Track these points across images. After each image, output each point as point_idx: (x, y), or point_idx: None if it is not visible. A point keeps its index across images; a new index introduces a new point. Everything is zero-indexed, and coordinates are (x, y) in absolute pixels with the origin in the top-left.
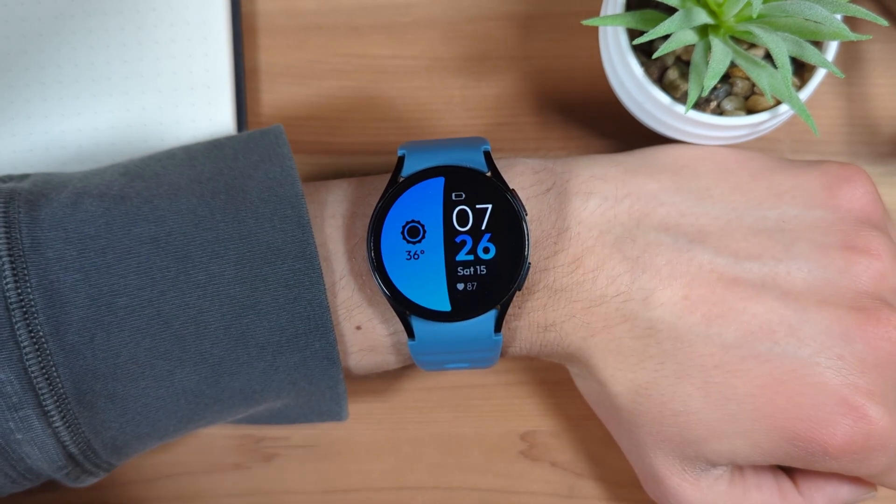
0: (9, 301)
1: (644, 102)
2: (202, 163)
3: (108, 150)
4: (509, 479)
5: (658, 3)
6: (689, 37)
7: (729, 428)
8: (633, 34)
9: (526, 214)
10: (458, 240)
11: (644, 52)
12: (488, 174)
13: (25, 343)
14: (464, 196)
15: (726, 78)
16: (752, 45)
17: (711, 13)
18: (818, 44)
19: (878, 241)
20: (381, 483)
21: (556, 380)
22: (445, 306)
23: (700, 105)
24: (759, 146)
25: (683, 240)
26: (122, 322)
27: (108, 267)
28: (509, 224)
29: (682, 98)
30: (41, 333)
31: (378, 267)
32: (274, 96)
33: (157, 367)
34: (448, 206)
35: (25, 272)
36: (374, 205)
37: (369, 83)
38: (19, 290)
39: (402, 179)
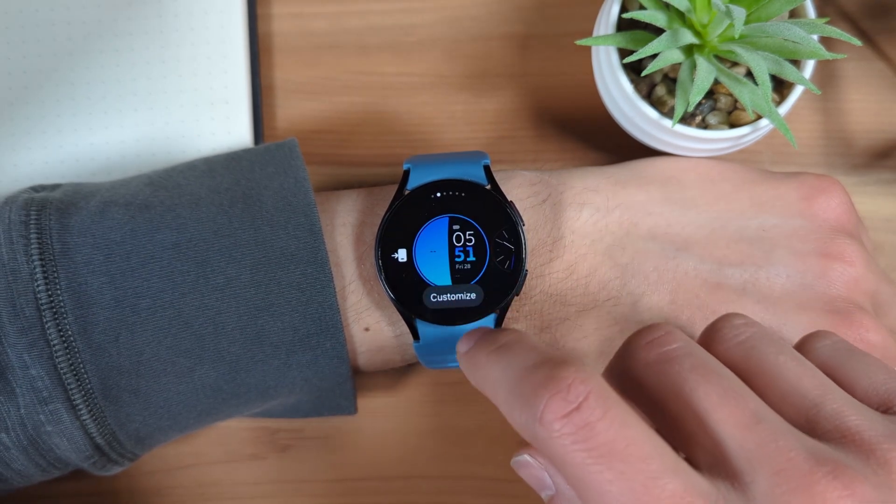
0: (40, 302)
1: (634, 117)
2: (221, 174)
3: (133, 161)
4: (510, 469)
5: (647, 24)
6: (675, 56)
7: None
8: (623, 53)
9: (523, 224)
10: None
11: (634, 70)
12: (488, 187)
13: (55, 341)
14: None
15: (710, 94)
16: (735, 64)
17: (696, 34)
18: (796, 62)
19: (852, 248)
20: (389, 472)
21: None
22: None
23: (686, 119)
24: (741, 158)
25: (670, 248)
26: (146, 322)
27: (133, 271)
28: (508, 234)
29: (669, 113)
30: (70, 332)
31: (386, 272)
32: (288, 111)
33: (178, 365)
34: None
35: (55, 275)
36: (382, 215)
37: (377, 99)
38: (49, 293)
39: (407, 192)
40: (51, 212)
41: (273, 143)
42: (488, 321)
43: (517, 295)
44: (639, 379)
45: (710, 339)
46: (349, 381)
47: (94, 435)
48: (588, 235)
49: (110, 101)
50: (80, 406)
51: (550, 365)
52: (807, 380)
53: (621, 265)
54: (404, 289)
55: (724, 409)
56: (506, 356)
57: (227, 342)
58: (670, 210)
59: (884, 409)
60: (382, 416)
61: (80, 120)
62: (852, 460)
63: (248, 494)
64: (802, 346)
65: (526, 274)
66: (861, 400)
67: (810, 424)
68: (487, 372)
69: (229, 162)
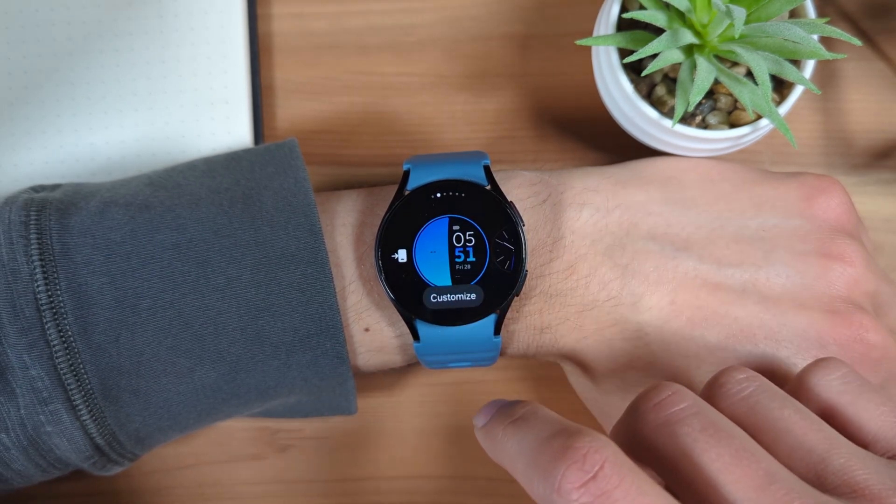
0: (40, 303)
1: (634, 117)
2: (221, 174)
3: (134, 162)
4: None
5: (647, 24)
6: (675, 56)
7: None
8: (623, 53)
9: (523, 225)
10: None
11: (634, 70)
12: (488, 187)
13: (55, 342)
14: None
15: (710, 94)
16: (735, 64)
17: (697, 34)
18: (796, 62)
19: (852, 248)
20: (389, 472)
21: (552, 377)
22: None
23: (686, 119)
24: (741, 158)
25: (670, 248)
26: (146, 322)
27: (133, 271)
28: (508, 234)
29: (669, 113)
30: (70, 333)
31: (386, 272)
32: (288, 111)
33: (178, 365)
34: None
35: (55, 276)
36: (382, 215)
37: (377, 99)
38: (49, 293)
39: (407, 192)
40: (51, 212)
41: (273, 143)
42: (488, 321)
43: (517, 295)
44: (648, 441)
45: (712, 393)
46: (349, 381)
47: (94, 435)
48: (588, 235)
49: (110, 101)
50: (80, 406)
51: (566, 435)
52: (812, 434)
53: (621, 265)
54: (404, 289)
55: (737, 470)
56: (521, 429)
57: (227, 342)
58: (670, 210)
59: (892, 454)
60: (382, 416)
61: (80, 120)
62: None
63: (248, 494)
64: (811, 376)
65: (526, 274)
66: (869, 444)
67: (819, 479)
68: (505, 446)
69: (229, 162)
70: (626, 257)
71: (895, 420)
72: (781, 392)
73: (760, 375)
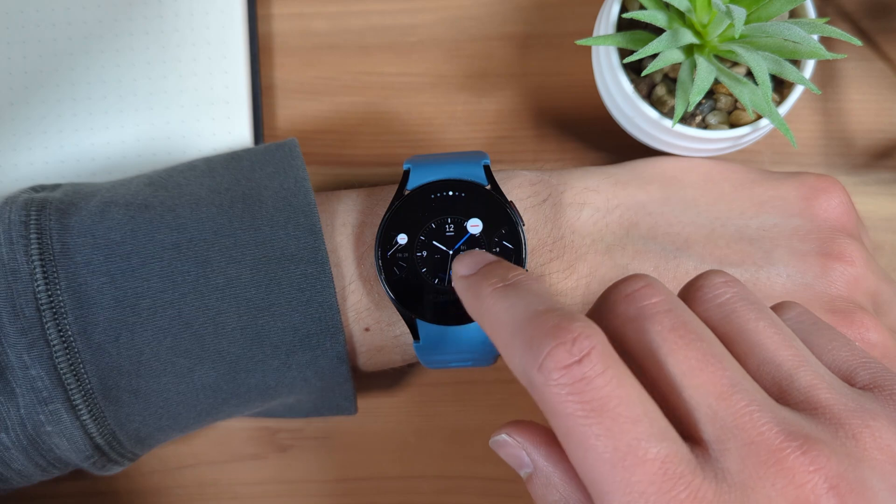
0: (39, 302)
1: (634, 117)
2: (221, 174)
3: (134, 161)
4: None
5: (647, 24)
6: (675, 56)
7: None
8: (623, 53)
9: (523, 224)
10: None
11: (634, 70)
12: (488, 187)
13: (55, 342)
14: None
15: (710, 94)
16: (735, 64)
17: (697, 34)
18: (796, 62)
19: (852, 247)
20: (389, 472)
21: None
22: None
23: (686, 119)
24: (741, 158)
25: (670, 247)
26: (146, 322)
27: (133, 271)
28: (508, 234)
29: (669, 113)
30: (70, 333)
31: (386, 272)
32: (289, 111)
33: (177, 365)
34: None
35: (55, 276)
36: (382, 215)
37: (378, 99)
38: (49, 293)
39: (407, 192)
40: (51, 212)
41: (273, 143)
42: None
43: None
44: (617, 334)
45: (689, 296)
46: (349, 381)
47: (94, 435)
48: (588, 235)
49: (111, 101)
50: (80, 406)
51: (559, 315)
52: (784, 349)
53: (622, 265)
54: (404, 289)
55: (702, 375)
56: (512, 296)
57: (227, 342)
58: (671, 210)
59: (847, 384)
60: (382, 416)
61: (80, 120)
62: (822, 432)
63: (248, 494)
64: None
65: None
66: None
67: (783, 394)
68: (490, 306)
69: (229, 162)
70: (626, 257)
71: (848, 353)
72: (760, 303)
73: (740, 282)
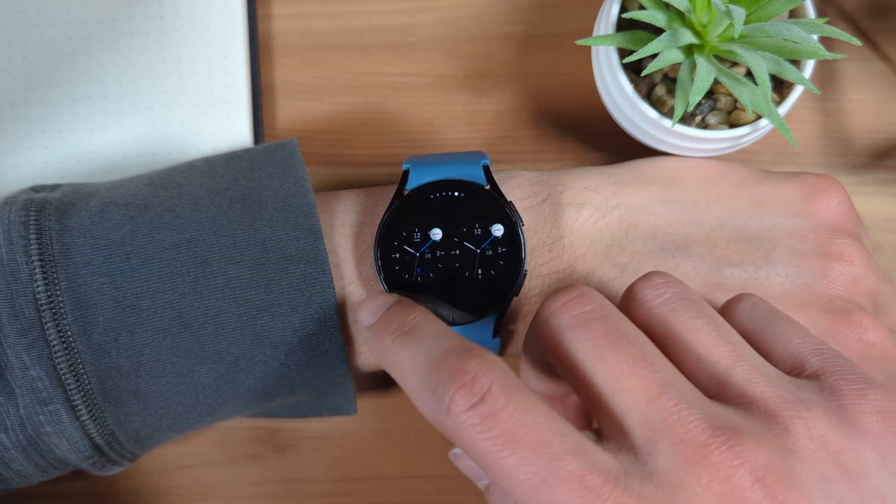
0: (39, 303)
1: (634, 117)
2: (221, 174)
3: (134, 162)
4: None
5: (647, 24)
6: (675, 56)
7: None
8: (623, 53)
9: (522, 225)
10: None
11: (633, 70)
12: (487, 187)
13: (55, 342)
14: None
15: (710, 94)
16: (735, 64)
17: (696, 34)
18: (796, 62)
19: (852, 247)
20: (389, 472)
21: None
22: None
23: (686, 119)
24: (741, 158)
25: (670, 247)
26: (145, 323)
27: (133, 271)
28: (507, 234)
29: (668, 113)
30: (69, 333)
31: (385, 272)
32: (288, 111)
33: (177, 365)
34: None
35: (55, 276)
36: (381, 215)
37: (378, 99)
38: (49, 293)
39: (406, 192)
40: (50, 212)
41: (273, 143)
42: (487, 322)
43: (516, 295)
44: (553, 346)
45: (630, 298)
46: (349, 380)
47: (94, 435)
48: (587, 235)
49: (111, 101)
50: (80, 406)
51: (456, 355)
52: (721, 346)
53: (621, 265)
54: (404, 289)
55: (633, 379)
56: (413, 342)
57: (226, 343)
58: (670, 210)
59: (796, 372)
60: (382, 416)
61: (80, 120)
62: (754, 425)
63: (248, 494)
64: (724, 311)
65: (525, 274)
66: (775, 364)
67: (720, 390)
68: (394, 358)
69: (229, 162)
70: (625, 257)
71: (800, 340)
72: (700, 301)
73: (681, 282)
